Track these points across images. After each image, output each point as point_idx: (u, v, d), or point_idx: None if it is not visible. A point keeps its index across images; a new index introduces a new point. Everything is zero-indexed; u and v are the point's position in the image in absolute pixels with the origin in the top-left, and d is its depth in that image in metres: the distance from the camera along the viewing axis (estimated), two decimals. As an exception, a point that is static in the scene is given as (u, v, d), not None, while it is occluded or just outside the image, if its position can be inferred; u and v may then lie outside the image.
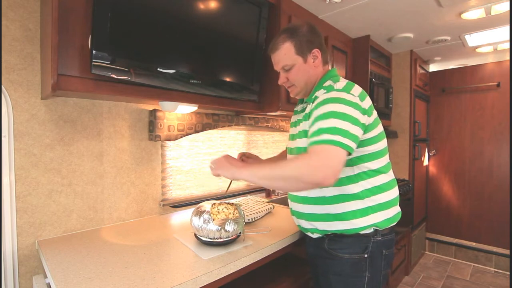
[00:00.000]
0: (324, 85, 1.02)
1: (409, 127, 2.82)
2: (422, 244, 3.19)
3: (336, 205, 0.99)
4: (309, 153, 0.85)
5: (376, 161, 1.01)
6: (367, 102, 0.98)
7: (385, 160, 1.05)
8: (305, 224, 1.09)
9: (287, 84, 1.11)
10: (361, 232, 1.00)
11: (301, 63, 1.05)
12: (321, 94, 0.97)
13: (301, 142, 1.05)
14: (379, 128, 1.02)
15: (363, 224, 0.99)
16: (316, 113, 0.92)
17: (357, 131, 0.89)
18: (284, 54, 1.05)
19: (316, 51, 1.05)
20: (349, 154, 0.86)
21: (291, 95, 1.15)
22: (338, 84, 0.99)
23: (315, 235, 1.08)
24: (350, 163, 0.98)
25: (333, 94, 0.94)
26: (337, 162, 0.82)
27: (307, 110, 1.02)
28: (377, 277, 1.03)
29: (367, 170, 0.99)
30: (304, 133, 1.02)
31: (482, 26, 2.13)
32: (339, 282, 1.03)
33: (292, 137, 1.16)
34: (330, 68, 1.13)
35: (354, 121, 0.89)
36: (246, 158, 1.27)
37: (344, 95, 0.93)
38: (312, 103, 0.99)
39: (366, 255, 1.00)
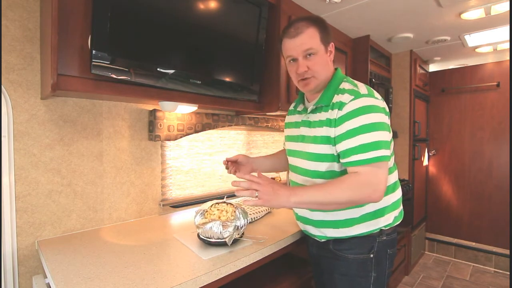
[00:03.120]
0: (342, 87, 0.97)
1: (409, 127, 2.82)
2: (422, 244, 3.19)
3: (346, 211, 0.98)
4: (361, 175, 0.87)
5: None
6: (385, 104, 0.99)
7: (392, 161, 1.05)
8: (313, 230, 1.08)
9: (306, 75, 0.99)
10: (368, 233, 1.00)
11: (323, 52, 0.98)
12: (348, 101, 0.92)
13: (317, 148, 0.99)
14: (391, 130, 1.03)
15: (373, 227, 1.00)
16: (352, 124, 0.90)
17: (389, 137, 0.94)
18: (310, 37, 0.96)
19: (332, 46, 1.01)
20: None
21: (306, 89, 1.03)
22: (361, 89, 0.95)
23: (322, 240, 1.08)
24: None
25: (364, 102, 0.91)
26: (385, 178, 0.89)
27: (332, 116, 0.95)
28: (382, 277, 1.03)
29: None
30: (327, 140, 0.96)
31: (482, 26, 2.13)
32: (345, 282, 1.02)
33: (296, 139, 1.10)
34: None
35: (388, 127, 0.93)
36: (235, 163, 1.21)
37: (373, 102, 0.92)
38: (338, 109, 0.93)
39: (371, 255, 1.00)
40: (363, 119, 0.89)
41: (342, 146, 0.92)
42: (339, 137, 0.92)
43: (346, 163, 0.91)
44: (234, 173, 1.19)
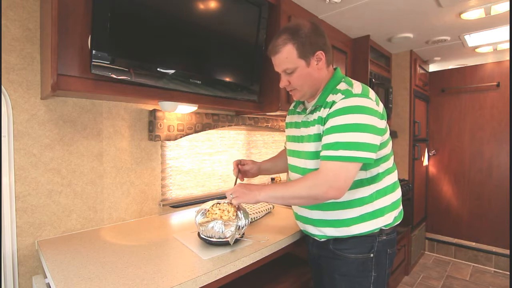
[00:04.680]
0: (338, 87, 0.98)
1: (408, 127, 2.82)
2: (422, 244, 3.19)
3: (346, 210, 0.99)
4: (321, 172, 0.90)
5: (385, 164, 1.02)
6: (381, 105, 0.98)
7: (391, 161, 1.06)
8: (313, 229, 1.08)
9: (288, 88, 1.05)
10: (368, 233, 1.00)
11: (303, 66, 0.98)
12: (338, 99, 0.93)
13: (312, 146, 1.01)
14: (388, 131, 1.03)
15: (372, 227, 1.00)
16: (335, 121, 0.90)
17: (376, 139, 0.92)
18: (286, 58, 0.98)
19: (320, 53, 0.98)
20: (368, 163, 0.93)
21: (294, 99, 1.11)
22: (356, 89, 0.95)
23: (322, 239, 1.08)
24: (362, 167, 0.96)
25: (353, 102, 0.91)
26: (346, 180, 0.89)
27: (323, 115, 0.97)
28: (382, 276, 1.03)
29: (377, 173, 1.00)
30: (319, 137, 0.98)
31: (481, 26, 2.13)
32: (345, 282, 1.02)
33: (297, 139, 1.11)
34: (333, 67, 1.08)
35: (373, 130, 0.91)
36: (242, 166, 1.26)
37: (364, 102, 0.91)
38: (329, 108, 0.94)
39: (372, 255, 1.01)
40: (348, 118, 0.89)
41: (322, 141, 0.94)
42: (323, 133, 0.95)
43: (320, 157, 0.94)
44: (242, 179, 1.28)
